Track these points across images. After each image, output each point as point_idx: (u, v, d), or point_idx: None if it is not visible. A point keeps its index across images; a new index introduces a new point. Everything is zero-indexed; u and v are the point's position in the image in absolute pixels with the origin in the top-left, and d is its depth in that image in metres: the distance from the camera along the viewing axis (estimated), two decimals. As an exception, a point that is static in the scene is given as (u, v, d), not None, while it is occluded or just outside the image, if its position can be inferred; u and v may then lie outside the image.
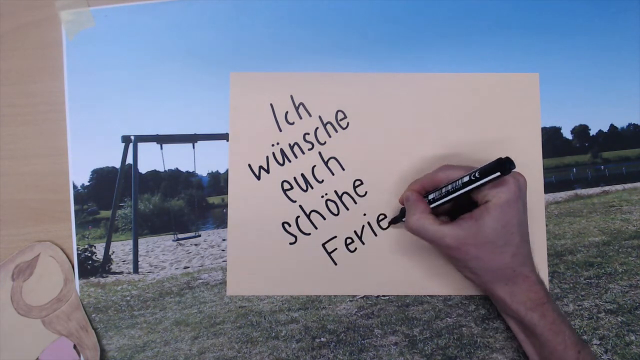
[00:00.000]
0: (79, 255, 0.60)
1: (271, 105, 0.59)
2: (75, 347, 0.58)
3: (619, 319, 0.57)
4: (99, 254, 0.60)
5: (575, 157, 0.61)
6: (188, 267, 0.60)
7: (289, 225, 0.58)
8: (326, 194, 0.58)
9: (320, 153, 0.59)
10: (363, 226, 0.58)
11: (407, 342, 0.57)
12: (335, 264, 0.58)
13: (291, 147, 0.59)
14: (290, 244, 0.58)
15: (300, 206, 0.58)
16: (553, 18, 0.60)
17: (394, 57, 0.60)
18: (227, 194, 0.59)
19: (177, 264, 0.61)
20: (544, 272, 0.57)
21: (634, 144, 0.60)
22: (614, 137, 0.60)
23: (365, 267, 0.58)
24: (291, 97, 0.59)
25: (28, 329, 0.57)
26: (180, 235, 0.61)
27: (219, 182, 0.60)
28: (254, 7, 0.61)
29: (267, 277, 0.58)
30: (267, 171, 0.58)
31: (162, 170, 0.61)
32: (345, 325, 0.58)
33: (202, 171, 0.61)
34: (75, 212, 0.60)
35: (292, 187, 0.58)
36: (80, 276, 0.60)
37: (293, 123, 0.59)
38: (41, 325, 0.57)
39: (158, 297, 0.59)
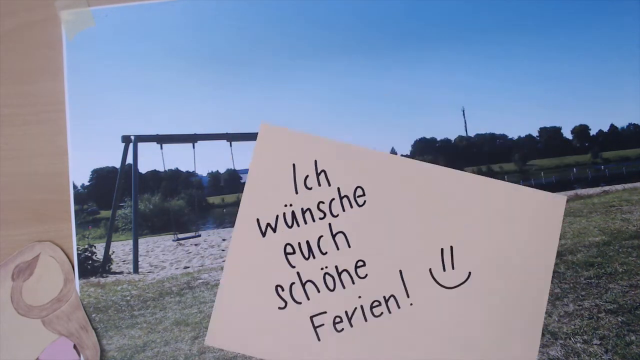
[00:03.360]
0: (79, 255, 0.60)
1: (293, 165, 0.58)
2: (75, 347, 0.58)
3: (619, 319, 0.57)
4: (99, 254, 0.60)
5: (575, 157, 0.61)
6: (188, 267, 0.60)
7: (282, 290, 0.57)
8: (326, 267, 0.57)
9: (330, 225, 0.57)
10: (355, 308, 0.56)
11: None
12: (319, 339, 0.56)
13: (303, 212, 0.57)
14: (279, 308, 0.56)
15: (298, 273, 0.57)
16: (553, 18, 0.60)
17: (395, 56, 0.60)
18: (227, 194, 0.59)
19: (177, 264, 0.60)
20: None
21: (634, 144, 0.60)
22: (614, 137, 0.60)
23: (348, 351, 0.56)
24: (315, 162, 0.58)
25: (28, 329, 0.57)
26: (180, 235, 0.61)
27: (219, 182, 0.60)
28: (254, 7, 0.61)
29: (249, 336, 0.56)
30: (274, 230, 0.57)
31: (162, 170, 0.61)
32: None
33: (202, 171, 0.61)
34: (75, 212, 0.60)
35: (294, 252, 0.57)
36: (80, 276, 0.60)
37: (311, 188, 0.58)
38: (41, 325, 0.57)
39: (158, 297, 0.59)
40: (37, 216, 0.60)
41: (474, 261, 0.56)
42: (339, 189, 0.57)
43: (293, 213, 0.57)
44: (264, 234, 0.57)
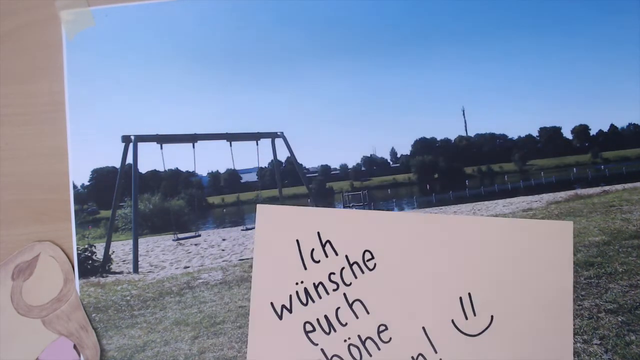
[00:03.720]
0: (79, 255, 0.60)
1: (297, 241, 0.57)
2: (75, 347, 0.58)
3: (619, 319, 0.57)
4: (99, 253, 0.60)
5: (575, 157, 0.61)
6: (188, 267, 0.60)
7: None
8: (349, 338, 0.55)
9: (345, 294, 0.56)
10: None
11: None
12: None
13: (315, 287, 0.56)
14: None
15: (322, 350, 0.55)
16: (553, 18, 0.60)
17: (395, 56, 0.60)
18: (227, 194, 0.59)
19: (177, 264, 0.61)
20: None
21: (634, 144, 0.60)
22: (614, 137, 0.60)
23: None
24: (318, 233, 0.57)
25: (28, 328, 0.57)
26: (180, 235, 0.61)
27: (219, 182, 0.60)
28: (254, 7, 0.61)
29: None
30: (290, 311, 0.56)
31: (162, 170, 0.61)
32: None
33: (202, 171, 0.61)
34: (75, 212, 0.60)
35: (314, 329, 0.56)
36: (80, 276, 0.60)
37: (319, 261, 0.57)
38: (41, 325, 0.57)
39: (158, 297, 0.59)
40: (37, 216, 0.60)
41: (495, 304, 0.55)
42: (347, 256, 0.56)
43: (306, 290, 0.56)
44: (280, 317, 0.56)
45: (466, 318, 0.54)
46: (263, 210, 0.57)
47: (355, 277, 0.56)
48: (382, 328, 0.55)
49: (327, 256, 0.56)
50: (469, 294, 0.55)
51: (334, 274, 0.56)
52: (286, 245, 0.57)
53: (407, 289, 0.55)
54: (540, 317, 0.54)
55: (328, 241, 0.56)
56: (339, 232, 0.57)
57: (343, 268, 0.56)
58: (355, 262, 0.56)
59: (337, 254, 0.56)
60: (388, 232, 0.56)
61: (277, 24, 0.60)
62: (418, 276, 0.55)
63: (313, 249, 0.56)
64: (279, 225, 0.57)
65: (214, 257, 0.60)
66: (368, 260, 0.56)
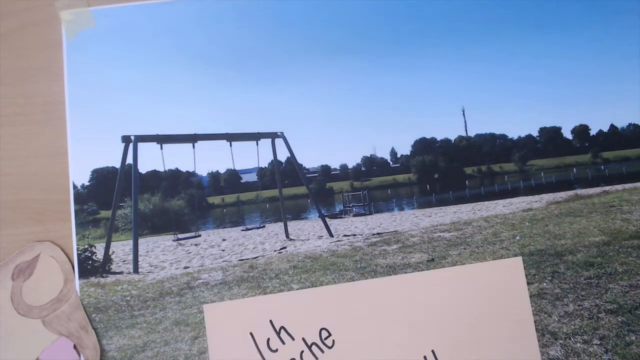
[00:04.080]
0: (79, 255, 0.60)
1: (251, 334, 0.55)
2: (75, 347, 0.58)
3: (619, 319, 0.57)
4: (99, 254, 0.60)
5: (575, 157, 0.61)
6: (188, 267, 0.60)
7: None
8: None
9: None
10: None
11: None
12: None
13: None
14: None
15: None
16: (553, 18, 0.60)
17: (395, 56, 0.60)
18: (227, 194, 0.59)
19: (177, 264, 0.60)
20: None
21: (634, 144, 0.60)
22: (614, 137, 0.61)
23: None
24: (270, 322, 0.55)
25: (28, 329, 0.57)
26: (180, 235, 0.61)
27: (219, 182, 0.60)
28: (254, 7, 0.61)
29: None
30: None
31: (162, 170, 0.61)
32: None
33: (202, 171, 0.61)
34: (75, 212, 0.60)
35: None
36: (80, 276, 0.59)
37: (276, 350, 0.55)
38: (41, 325, 0.57)
39: (158, 297, 0.59)
40: (37, 216, 0.60)
41: (460, 354, 0.54)
42: (304, 339, 0.55)
43: None
44: None
45: None
46: (210, 310, 0.55)
47: (317, 359, 0.54)
48: None
49: (284, 343, 0.55)
50: (433, 351, 0.54)
51: (294, 359, 0.54)
52: (240, 341, 0.55)
53: (371, 358, 0.54)
54: (506, 353, 0.54)
55: (282, 327, 0.55)
56: (292, 315, 0.55)
57: (302, 351, 0.54)
58: (314, 343, 0.55)
59: (293, 339, 0.55)
60: (340, 306, 0.55)
61: (277, 24, 0.60)
62: (380, 344, 0.55)
63: (269, 339, 0.55)
64: (229, 322, 0.55)
65: (214, 257, 0.60)
66: (326, 339, 0.55)
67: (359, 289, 0.55)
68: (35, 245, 0.59)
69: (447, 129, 0.64)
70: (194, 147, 0.60)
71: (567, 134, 0.60)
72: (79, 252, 0.60)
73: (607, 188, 0.61)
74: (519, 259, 0.56)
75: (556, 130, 0.60)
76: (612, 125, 0.60)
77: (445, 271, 0.56)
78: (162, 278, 0.60)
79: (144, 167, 0.61)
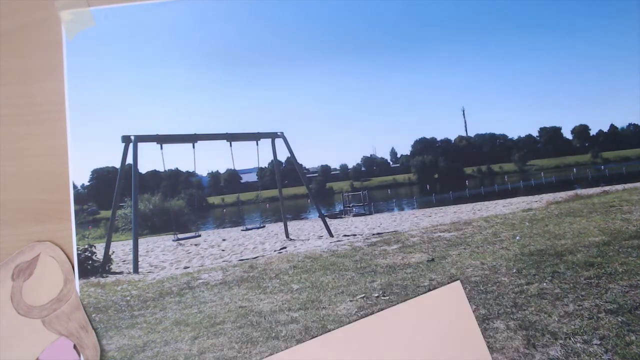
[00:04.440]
0: (79, 255, 0.60)
1: None
2: (75, 347, 0.58)
3: (619, 319, 0.57)
4: (99, 254, 0.60)
5: (575, 157, 0.61)
6: (188, 267, 0.60)
7: None
8: None
9: None
10: None
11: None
12: None
13: None
14: None
15: None
16: (553, 19, 0.60)
17: (395, 57, 0.60)
18: (227, 194, 0.59)
19: (177, 264, 0.60)
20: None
21: (634, 144, 0.60)
22: (614, 137, 0.61)
23: None
24: None
25: (28, 329, 0.57)
26: (180, 235, 0.61)
27: (219, 182, 0.60)
28: (254, 8, 0.61)
29: None
30: None
31: (162, 170, 0.61)
32: (345, 325, 0.58)
33: (202, 171, 0.61)
34: (75, 212, 0.60)
35: None
36: (80, 276, 0.59)
37: None
38: (41, 325, 0.57)
39: (158, 297, 0.59)
40: (37, 216, 0.60)
41: None
42: None
43: None
44: None
45: None
46: None
47: None
48: None
49: None
50: None
51: None
52: None
53: None
54: None
55: None
56: None
57: None
58: None
59: None
60: None
61: (277, 24, 0.60)
62: None
63: None
64: None
65: (214, 257, 0.60)
66: None
67: (315, 345, 0.55)
68: (35, 245, 0.59)
69: (447, 129, 0.65)
70: (194, 147, 0.60)
71: (567, 134, 0.60)
72: (79, 252, 0.60)
73: (607, 188, 0.61)
74: (458, 282, 0.57)
75: (556, 130, 0.60)
76: (612, 125, 0.60)
77: (394, 310, 0.56)
78: (162, 278, 0.60)
79: (144, 167, 0.61)
